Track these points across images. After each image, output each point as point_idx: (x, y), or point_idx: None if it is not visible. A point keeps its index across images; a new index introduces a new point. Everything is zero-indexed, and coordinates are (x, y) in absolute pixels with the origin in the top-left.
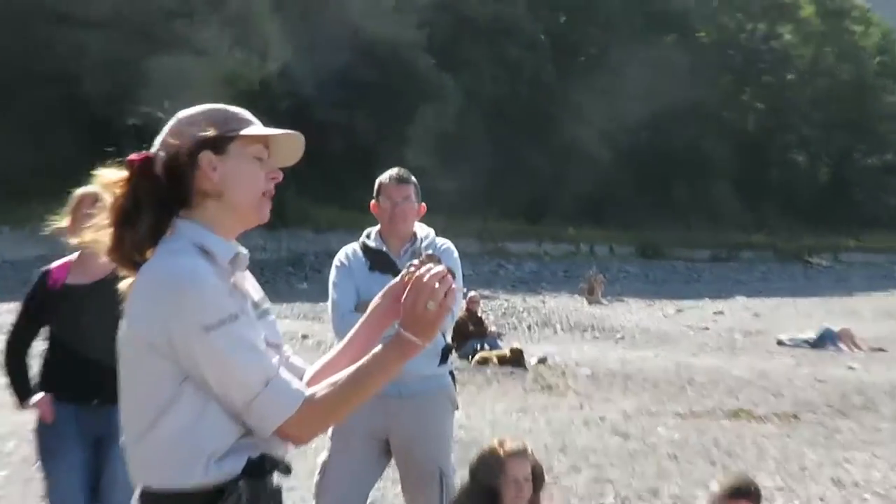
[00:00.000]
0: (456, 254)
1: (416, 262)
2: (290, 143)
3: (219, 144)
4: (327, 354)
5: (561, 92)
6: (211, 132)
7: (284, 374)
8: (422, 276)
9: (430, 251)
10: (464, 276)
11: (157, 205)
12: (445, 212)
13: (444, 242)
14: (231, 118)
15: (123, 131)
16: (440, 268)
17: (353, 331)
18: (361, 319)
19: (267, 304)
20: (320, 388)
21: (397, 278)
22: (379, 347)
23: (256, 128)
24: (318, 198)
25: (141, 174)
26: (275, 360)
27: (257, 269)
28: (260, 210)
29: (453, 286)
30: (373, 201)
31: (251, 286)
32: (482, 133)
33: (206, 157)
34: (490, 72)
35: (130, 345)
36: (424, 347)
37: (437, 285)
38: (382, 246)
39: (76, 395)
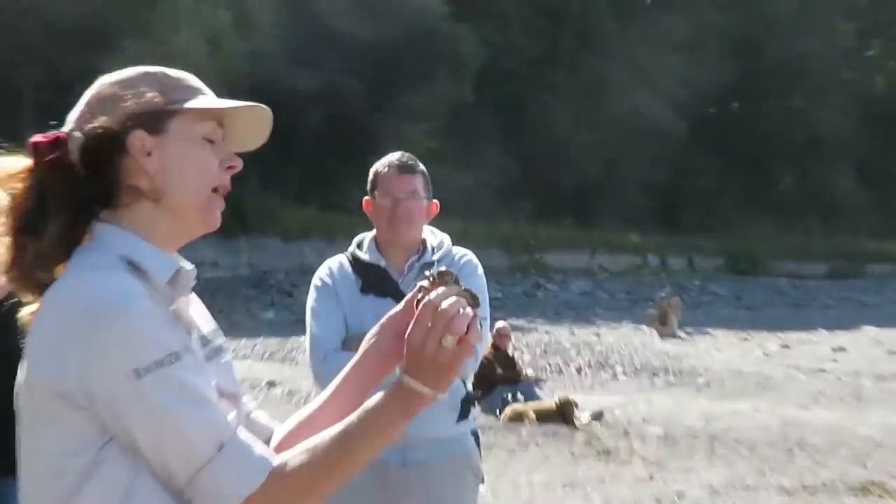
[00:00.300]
0: (480, 269)
1: (425, 282)
2: (252, 120)
3: (156, 122)
4: (304, 408)
5: (619, 45)
6: (145, 104)
7: (244, 435)
8: (434, 302)
9: (443, 266)
10: (490, 300)
11: (70, 204)
12: (463, 212)
13: (464, 254)
14: (172, 86)
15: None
16: (458, 290)
17: (339, 377)
18: (352, 361)
19: (220, 340)
20: (294, 455)
21: (400, 304)
22: (375, 398)
23: (207, 99)
24: (290, 194)
25: (49, 162)
26: (231, 415)
27: (207, 291)
28: (209, 212)
29: (477, 315)
30: (366, 198)
31: (198, 315)
32: (511, 104)
33: (137, 138)
34: (522, 21)
35: (33, 395)
36: (437, 400)
37: (455, 315)
38: (380, 259)
39: None
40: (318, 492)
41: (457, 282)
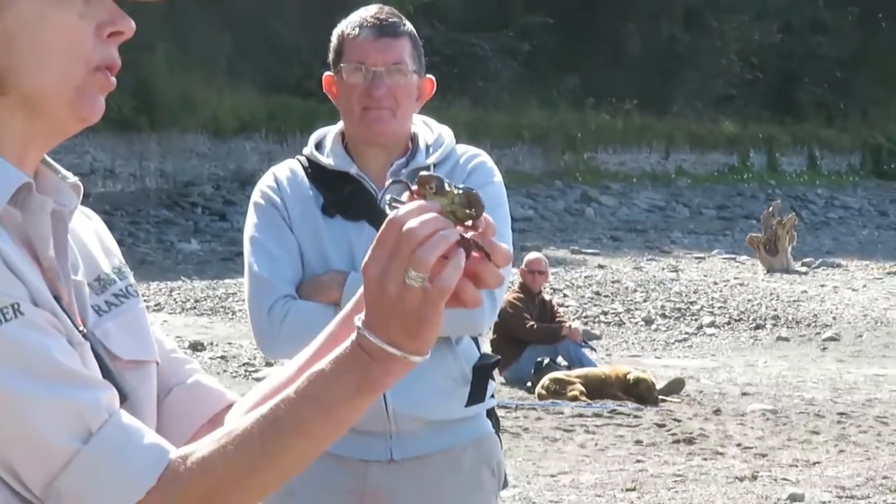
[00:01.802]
0: (498, 177)
1: (402, 192)
2: None
3: None
4: (277, 373)
5: None
6: None
7: (126, 419)
8: (399, 220)
9: (432, 172)
10: (516, 221)
11: None
12: (475, 93)
13: (474, 155)
14: None
15: None
16: (443, 200)
17: (325, 332)
18: (339, 316)
19: (126, 282)
20: (203, 448)
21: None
22: (321, 363)
23: None
24: (220, 70)
25: None
26: (106, 394)
27: (101, 212)
28: (85, 102)
29: (485, 235)
30: (327, 74)
31: (91, 245)
32: None
33: None
34: None
35: None
36: (412, 365)
37: (425, 237)
38: (349, 165)
39: None
40: (239, 496)
41: (442, 190)
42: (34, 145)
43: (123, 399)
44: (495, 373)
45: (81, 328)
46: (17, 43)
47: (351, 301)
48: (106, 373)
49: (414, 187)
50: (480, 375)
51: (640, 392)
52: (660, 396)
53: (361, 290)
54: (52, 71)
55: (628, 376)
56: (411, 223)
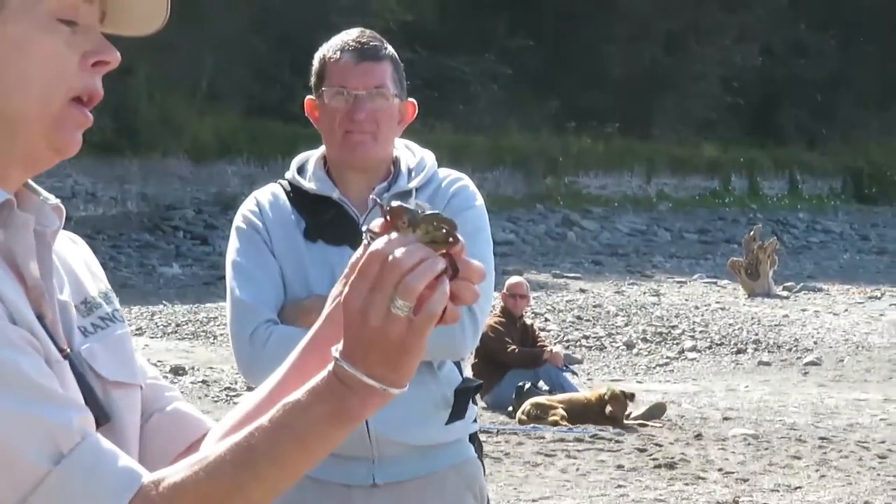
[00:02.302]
0: (479, 200)
1: (375, 222)
2: None
3: None
4: (249, 397)
5: None
6: None
7: (101, 442)
8: (382, 251)
9: (413, 200)
10: (497, 244)
11: None
12: (457, 117)
13: (456, 179)
14: None
15: None
16: (425, 227)
17: (293, 356)
18: (305, 339)
19: (111, 306)
20: (175, 473)
21: (357, 252)
22: (297, 393)
23: None
24: (201, 93)
25: None
26: (79, 416)
27: (83, 236)
28: (63, 132)
29: (456, 259)
30: (309, 98)
31: (76, 267)
32: None
33: None
34: None
35: None
36: (390, 397)
37: (412, 266)
38: (332, 189)
39: None
40: None
41: (415, 222)
42: (14, 169)
43: (106, 419)
44: (477, 397)
45: (65, 347)
46: (2, 64)
47: (313, 328)
48: (89, 392)
49: (386, 212)
50: (462, 397)
51: (611, 404)
52: (641, 421)
53: (324, 315)
54: (34, 95)
55: (613, 393)
56: (396, 253)
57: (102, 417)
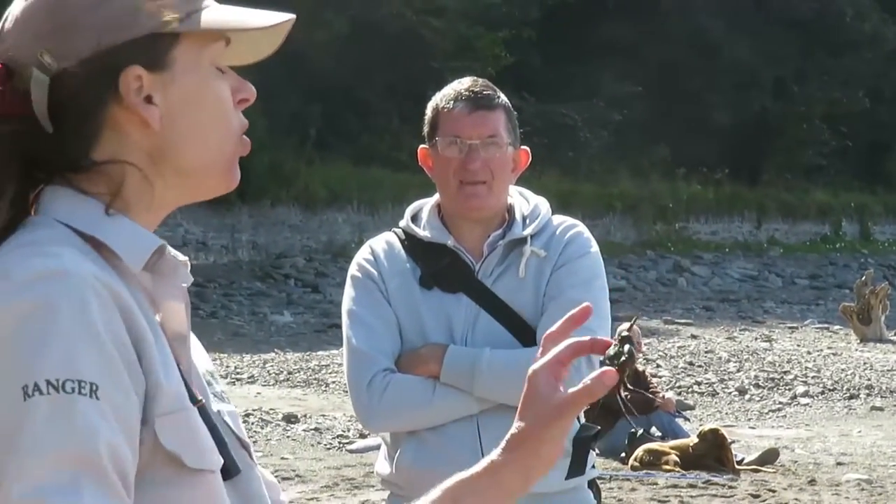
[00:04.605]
0: (595, 247)
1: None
2: (262, 32)
3: (157, 50)
4: None
5: None
6: (145, 24)
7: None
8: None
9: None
10: (611, 291)
11: (21, 170)
12: (567, 164)
13: (571, 226)
14: None
15: None
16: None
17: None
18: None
19: (219, 383)
20: None
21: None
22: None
23: (218, 8)
24: (311, 141)
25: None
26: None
27: (194, 285)
28: (233, 169)
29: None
30: (422, 147)
31: (194, 341)
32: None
33: (132, 77)
34: None
35: None
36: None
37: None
38: (446, 237)
39: None
40: None
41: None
42: (164, 212)
43: (237, 472)
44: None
45: (199, 398)
46: (179, 119)
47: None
48: (222, 445)
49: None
50: (581, 447)
51: (713, 441)
52: (754, 466)
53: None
54: (212, 145)
55: (708, 431)
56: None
57: (234, 470)
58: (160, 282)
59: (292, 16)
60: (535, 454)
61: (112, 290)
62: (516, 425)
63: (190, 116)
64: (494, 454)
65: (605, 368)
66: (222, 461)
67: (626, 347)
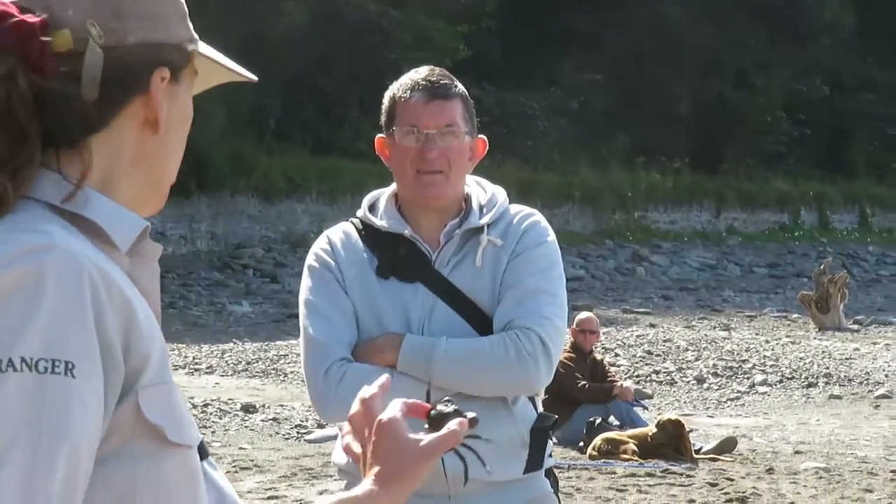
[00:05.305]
0: (551, 236)
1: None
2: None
3: (179, 62)
4: None
5: None
6: (182, 32)
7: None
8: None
9: (485, 235)
10: (569, 280)
11: (38, 134)
12: (525, 154)
13: (528, 215)
14: (184, 13)
15: None
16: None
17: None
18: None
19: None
20: None
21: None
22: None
23: (205, 46)
24: (270, 132)
25: (33, 64)
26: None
27: None
28: (166, 195)
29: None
30: (379, 136)
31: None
32: None
33: (161, 77)
34: None
35: None
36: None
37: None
38: (403, 227)
39: None
40: None
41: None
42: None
43: (207, 455)
44: (553, 431)
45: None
46: (171, 134)
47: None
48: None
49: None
50: (539, 438)
51: (671, 430)
52: (712, 455)
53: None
54: (175, 166)
55: (666, 420)
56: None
57: (206, 451)
58: (139, 263)
59: (255, 78)
60: (406, 490)
61: (100, 267)
62: (378, 465)
63: (178, 134)
64: (369, 483)
65: (460, 419)
66: (200, 437)
67: (452, 408)
